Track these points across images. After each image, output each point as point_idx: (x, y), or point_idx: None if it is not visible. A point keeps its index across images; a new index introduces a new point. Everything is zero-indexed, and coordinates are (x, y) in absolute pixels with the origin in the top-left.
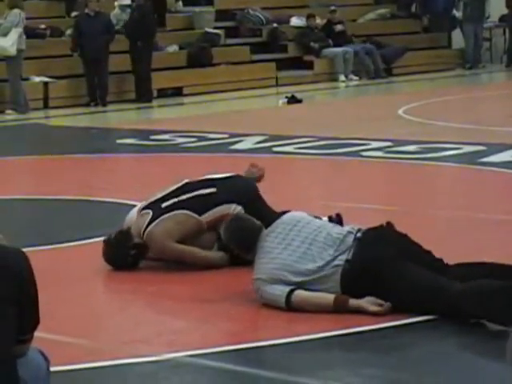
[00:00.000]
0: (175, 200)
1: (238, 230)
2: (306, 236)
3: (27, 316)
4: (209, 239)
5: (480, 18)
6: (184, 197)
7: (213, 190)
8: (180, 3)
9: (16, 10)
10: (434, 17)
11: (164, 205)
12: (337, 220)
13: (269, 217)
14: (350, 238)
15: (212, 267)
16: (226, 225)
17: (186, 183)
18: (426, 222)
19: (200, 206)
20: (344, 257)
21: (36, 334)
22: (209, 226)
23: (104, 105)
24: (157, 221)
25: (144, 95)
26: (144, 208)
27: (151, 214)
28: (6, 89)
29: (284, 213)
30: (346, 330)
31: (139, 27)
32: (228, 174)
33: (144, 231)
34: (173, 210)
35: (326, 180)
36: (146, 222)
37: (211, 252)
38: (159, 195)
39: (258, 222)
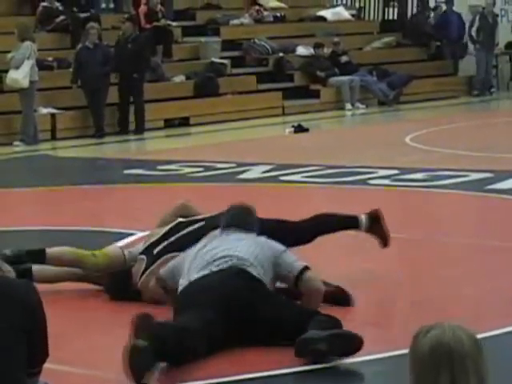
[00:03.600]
0: (165, 244)
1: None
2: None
3: (37, 348)
4: None
5: (491, 45)
6: (173, 238)
7: (201, 223)
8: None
9: (27, 43)
10: (448, 44)
11: (155, 250)
12: None
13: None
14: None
15: None
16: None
17: (179, 222)
18: (434, 249)
19: (188, 242)
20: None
21: (46, 365)
22: None
23: (100, 136)
24: (148, 271)
25: (140, 127)
26: (141, 253)
27: (145, 261)
28: (15, 120)
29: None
30: (345, 361)
31: (136, 59)
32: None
33: (139, 280)
34: (163, 255)
35: (334, 209)
36: (141, 271)
37: None
38: (153, 239)
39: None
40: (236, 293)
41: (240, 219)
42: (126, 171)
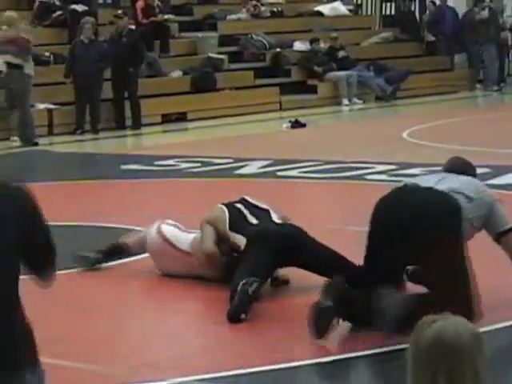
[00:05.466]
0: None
1: None
2: None
3: (41, 247)
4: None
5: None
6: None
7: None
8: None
9: None
10: (443, 39)
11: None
12: None
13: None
14: None
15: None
16: None
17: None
18: None
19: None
20: None
21: (45, 359)
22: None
23: (95, 132)
24: None
25: (137, 122)
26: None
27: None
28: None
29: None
30: (347, 355)
31: (131, 53)
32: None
33: None
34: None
35: (331, 204)
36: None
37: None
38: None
39: None
40: None
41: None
42: (123, 166)
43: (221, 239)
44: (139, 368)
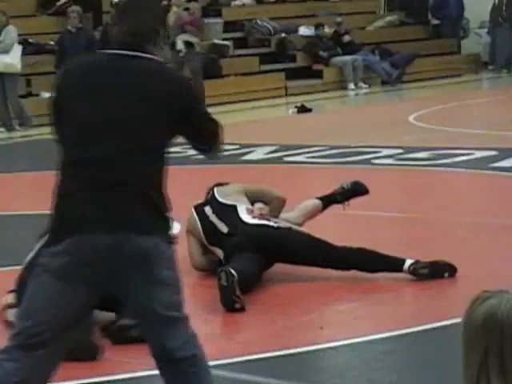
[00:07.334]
0: None
1: None
2: None
3: (195, 126)
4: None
5: None
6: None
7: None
8: None
9: (10, 26)
10: (447, 23)
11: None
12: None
13: None
14: None
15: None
16: None
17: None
18: (441, 228)
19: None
20: None
21: None
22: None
23: None
24: None
25: None
26: None
27: None
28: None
29: None
30: (352, 340)
31: None
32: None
33: None
34: None
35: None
36: None
37: None
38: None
39: None
40: None
41: None
42: None
43: (205, 247)
44: (143, 356)
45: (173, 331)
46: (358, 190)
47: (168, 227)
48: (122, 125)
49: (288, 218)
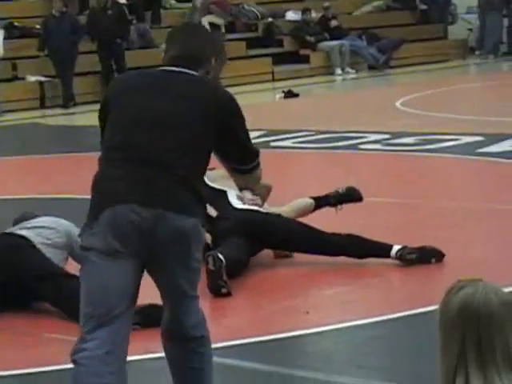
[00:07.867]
0: None
1: None
2: None
3: (237, 148)
4: None
5: (503, 5)
6: None
7: None
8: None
9: None
10: (435, 8)
11: None
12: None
13: None
14: None
15: None
16: None
17: None
18: (427, 213)
19: None
20: None
21: (50, 335)
22: None
23: (66, 107)
24: None
25: None
26: None
27: None
28: None
29: None
30: (340, 325)
31: (117, 25)
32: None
33: None
34: None
35: (326, 174)
36: None
37: None
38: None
39: None
40: None
41: None
42: None
43: None
44: (138, 341)
45: (190, 310)
46: (351, 195)
47: (204, 213)
48: (170, 117)
49: (278, 211)
